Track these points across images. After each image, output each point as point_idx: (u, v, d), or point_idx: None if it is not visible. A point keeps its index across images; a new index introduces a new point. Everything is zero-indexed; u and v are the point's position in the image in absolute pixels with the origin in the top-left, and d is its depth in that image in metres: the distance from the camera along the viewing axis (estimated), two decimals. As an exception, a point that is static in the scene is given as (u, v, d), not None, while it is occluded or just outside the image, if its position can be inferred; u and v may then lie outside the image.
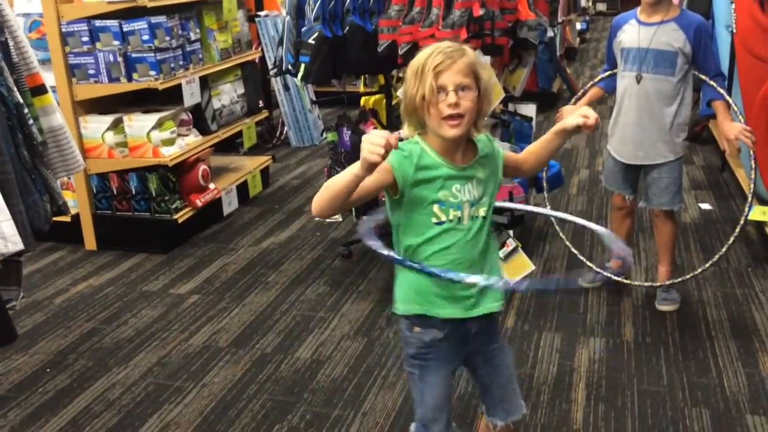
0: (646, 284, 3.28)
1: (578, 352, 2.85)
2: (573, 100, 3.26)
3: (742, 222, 2.94)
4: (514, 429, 1.91)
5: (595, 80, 3.24)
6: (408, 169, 1.61)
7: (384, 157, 1.42)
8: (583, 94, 3.26)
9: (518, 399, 1.87)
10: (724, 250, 2.98)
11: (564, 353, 2.84)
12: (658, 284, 3.17)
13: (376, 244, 1.64)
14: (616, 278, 3.23)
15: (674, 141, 2.99)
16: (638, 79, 2.93)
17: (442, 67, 1.56)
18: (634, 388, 2.60)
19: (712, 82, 2.90)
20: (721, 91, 2.90)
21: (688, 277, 3.16)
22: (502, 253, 3.32)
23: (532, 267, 3.43)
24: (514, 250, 3.36)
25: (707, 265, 3.09)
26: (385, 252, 1.62)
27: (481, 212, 1.68)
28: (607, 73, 3.16)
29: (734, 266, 3.54)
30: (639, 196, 3.21)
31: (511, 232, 3.41)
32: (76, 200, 4.02)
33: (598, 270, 3.32)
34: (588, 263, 3.35)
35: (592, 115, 1.66)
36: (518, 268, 3.38)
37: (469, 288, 1.67)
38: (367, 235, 1.68)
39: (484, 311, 1.72)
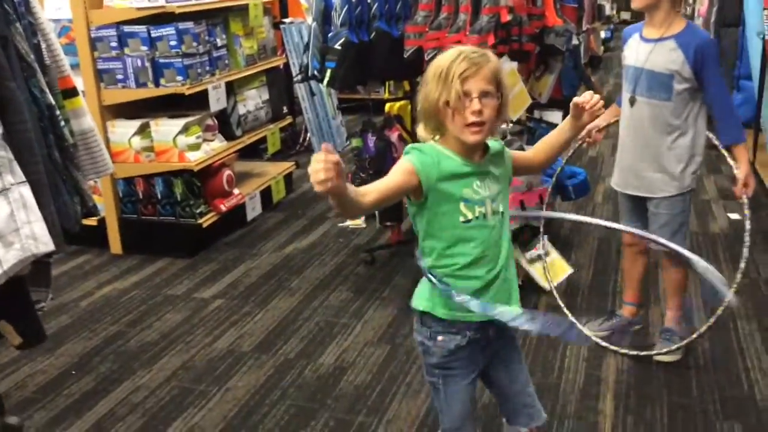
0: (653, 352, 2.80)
1: (605, 361, 2.80)
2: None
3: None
4: None
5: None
6: (431, 169, 1.60)
7: (329, 177, 1.34)
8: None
9: (538, 403, 1.85)
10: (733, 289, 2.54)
11: (591, 363, 2.79)
12: (654, 352, 2.77)
13: None
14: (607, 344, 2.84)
15: (674, 173, 2.60)
16: (632, 102, 2.61)
17: (468, 74, 1.56)
18: (664, 399, 2.55)
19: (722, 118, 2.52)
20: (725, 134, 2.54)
21: (693, 337, 2.71)
22: (535, 255, 3.26)
23: (570, 270, 3.38)
24: (546, 254, 3.32)
25: (712, 320, 2.62)
26: None
27: (501, 208, 1.69)
28: None
29: (764, 277, 3.47)
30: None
31: (546, 237, 3.35)
32: (102, 204, 4.04)
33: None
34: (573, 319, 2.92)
35: (587, 101, 1.73)
36: (556, 272, 3.34)
37: (488, 294, 1.66)
38: None
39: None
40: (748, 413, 2.46)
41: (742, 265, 2.57)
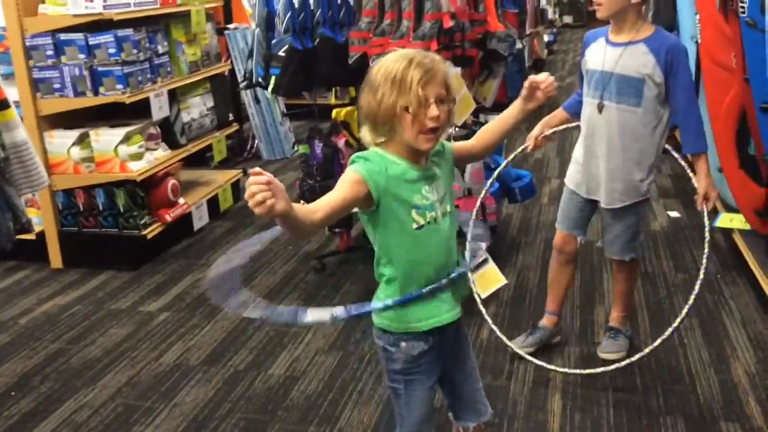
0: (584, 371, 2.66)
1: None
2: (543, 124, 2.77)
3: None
4: (484, 429, 1.92)
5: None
6: (379, 176, 1.60)
7: (266, 197, 1.32)
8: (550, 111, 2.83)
9: (485, 399, 1.89)
10: (692, 299, 2.44)
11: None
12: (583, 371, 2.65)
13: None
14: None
15: (636, 182, 2.57)
16: (600, 108, 2.53)
17: (427, 79, 1.56)
18: (610, 396, 2.61)
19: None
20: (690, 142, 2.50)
21: (638, 357, 2.56)
22: (472, 264, 3.26)
23: (504, 281, 3.32)
24: (484, 261, 3.30)
25: (677, 322, 2.48)
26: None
27: (448, 208, 1.71)
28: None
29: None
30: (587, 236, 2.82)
31: (483, 244, 3.37)
32: (40, 217, 3.92)
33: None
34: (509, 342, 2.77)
35: (543, 80, 1.76)
36: (490, 281, 3.31)
37: (448, 291, 1.71)
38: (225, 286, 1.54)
39: (459, 313, 1.76)
40: (691, 406, 2.54)
41: (702, 275, 2.45)
